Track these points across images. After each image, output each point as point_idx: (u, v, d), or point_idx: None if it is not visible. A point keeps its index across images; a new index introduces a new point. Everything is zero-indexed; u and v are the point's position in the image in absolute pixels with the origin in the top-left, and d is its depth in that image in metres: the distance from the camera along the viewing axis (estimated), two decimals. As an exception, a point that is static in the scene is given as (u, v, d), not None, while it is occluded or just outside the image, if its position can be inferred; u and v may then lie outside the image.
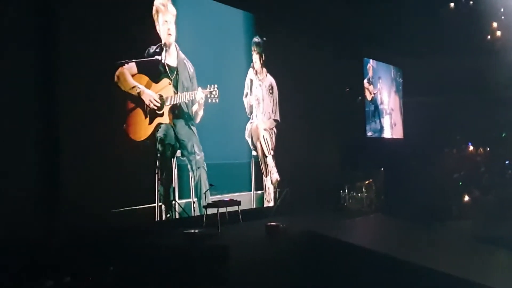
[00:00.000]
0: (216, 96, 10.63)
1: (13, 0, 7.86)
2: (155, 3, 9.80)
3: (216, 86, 10.65)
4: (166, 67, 9.92)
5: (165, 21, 9.91)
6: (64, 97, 8.19)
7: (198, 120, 10.49)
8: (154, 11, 9.78)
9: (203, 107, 10.52)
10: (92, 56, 8.49)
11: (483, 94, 17.31)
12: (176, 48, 10.13)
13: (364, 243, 9.42)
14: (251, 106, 12.09)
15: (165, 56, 9.88)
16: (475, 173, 16.47)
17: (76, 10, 8.43)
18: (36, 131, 7.97)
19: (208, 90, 10.59)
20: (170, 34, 9.97)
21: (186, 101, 10.30)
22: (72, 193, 8.06)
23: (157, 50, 9.72)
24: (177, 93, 10.09)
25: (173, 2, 10.06)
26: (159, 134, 9.69)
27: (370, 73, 16.81)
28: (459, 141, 18.17)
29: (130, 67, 9.15)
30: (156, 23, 9.78)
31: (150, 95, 9.52)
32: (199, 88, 10.51)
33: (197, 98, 10.45)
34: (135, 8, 9.46)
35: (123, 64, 9.01)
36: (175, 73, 10.08)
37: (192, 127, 10.37)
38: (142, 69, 9.37)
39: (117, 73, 8.98)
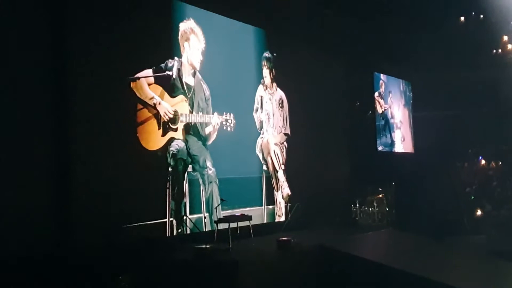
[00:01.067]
0: (231, 124, 10.81)
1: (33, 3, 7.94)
2: (191, 27, 10.12)
3: (232, 115, 10.82)
4: (184, 85, 10.03)
5: (198, 49, 10.25)
6: (77, 99, 8.21)
7: (210, 141, 10.57)
8: (187, 32, 10.05)
9: (217, 131, 10.62)
10: (108, 63, 8.60)
11: (493, 107, 17.27)
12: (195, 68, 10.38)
13: (376, 258, 9.36)
14: (261, 122, 12.12)
15: (183, 74, 10.02)
16: (487, 187, 16.36)
17: (95, 15, 8.54)
18: (46, 138, 7.92)
19: (224, 117, 10.72)
20: (199, 62, 10.31)
21: (201, 122, 10.37)
22: (83, 207, 8.06)
23: (174, 65, 9.84)
24: (192, 112, 10.17)
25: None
26: (172, 148, 9.72)
27: (382, 88, 16.80)
28: (471, 154, 18.10)
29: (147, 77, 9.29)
30: (186, 45, 10.05)
31: (165, 108, 9.59)
32: (215, 114, 10.61)
33: (213, 122, 10.56)
34: (158, 18, 9.64)
35: (134, 80, 9.07)
36: (192, 91, 10.18)
37: (204, 144, 10.43)
38: (158, 80, 9.49)
39: (134, 79, 9.15)
